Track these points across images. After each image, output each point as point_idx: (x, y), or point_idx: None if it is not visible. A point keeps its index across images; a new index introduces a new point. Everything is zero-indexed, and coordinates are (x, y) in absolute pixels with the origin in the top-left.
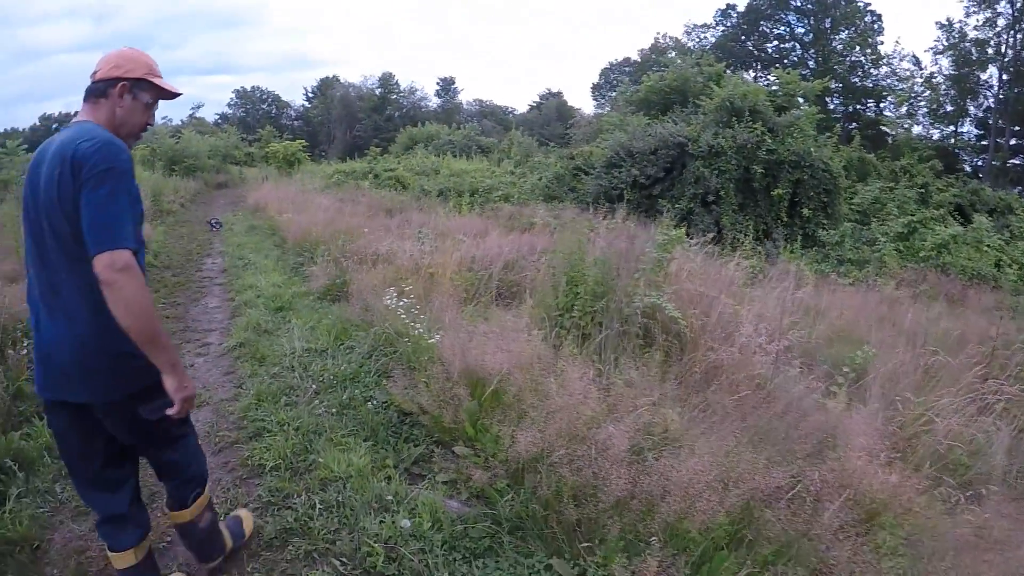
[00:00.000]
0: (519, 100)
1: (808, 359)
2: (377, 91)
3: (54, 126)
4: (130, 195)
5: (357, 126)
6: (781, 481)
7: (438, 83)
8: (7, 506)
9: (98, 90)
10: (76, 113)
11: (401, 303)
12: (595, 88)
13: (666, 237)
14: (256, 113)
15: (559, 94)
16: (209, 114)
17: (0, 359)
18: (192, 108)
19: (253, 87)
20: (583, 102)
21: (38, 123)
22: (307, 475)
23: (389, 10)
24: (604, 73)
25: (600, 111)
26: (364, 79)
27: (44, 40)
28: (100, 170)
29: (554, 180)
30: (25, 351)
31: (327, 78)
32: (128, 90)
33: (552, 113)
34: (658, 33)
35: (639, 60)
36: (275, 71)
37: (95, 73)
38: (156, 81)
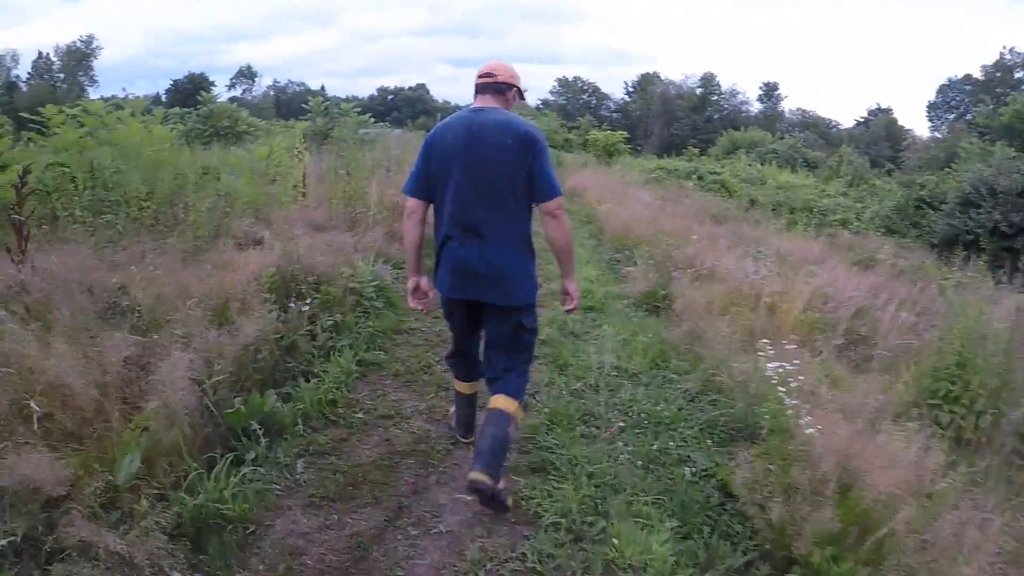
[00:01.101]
0: (842, 113)
1: None
2: (697, 91)
3: (389, 97)
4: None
5: (675, 124)
6: None
7: (761, 88)
8: (236, 475)
9: (501, 89)
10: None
11: (770, 357)
12: (931, 107)
13: None
14: (576, 102)
15: (888, 111)
16: (531, 99)
17: (282, 310)
18: None
19: (575, 77)
20: (914, 122)
21: (375, 94)
22: (590, 547)
23: (712, 10)
24: (943, 91)
25: (936, 134)
26: (685, 77)
27: (383, 24)
28: (543, 146)
29: (894, 211)
30: (307, 307)
31: (647, 74)
32: (517, 94)
33: (880, 131)
34: (1003, 47)
35: (982, 78)
36: (596, 64)
37: (496, 76)
38: (523, 91)
